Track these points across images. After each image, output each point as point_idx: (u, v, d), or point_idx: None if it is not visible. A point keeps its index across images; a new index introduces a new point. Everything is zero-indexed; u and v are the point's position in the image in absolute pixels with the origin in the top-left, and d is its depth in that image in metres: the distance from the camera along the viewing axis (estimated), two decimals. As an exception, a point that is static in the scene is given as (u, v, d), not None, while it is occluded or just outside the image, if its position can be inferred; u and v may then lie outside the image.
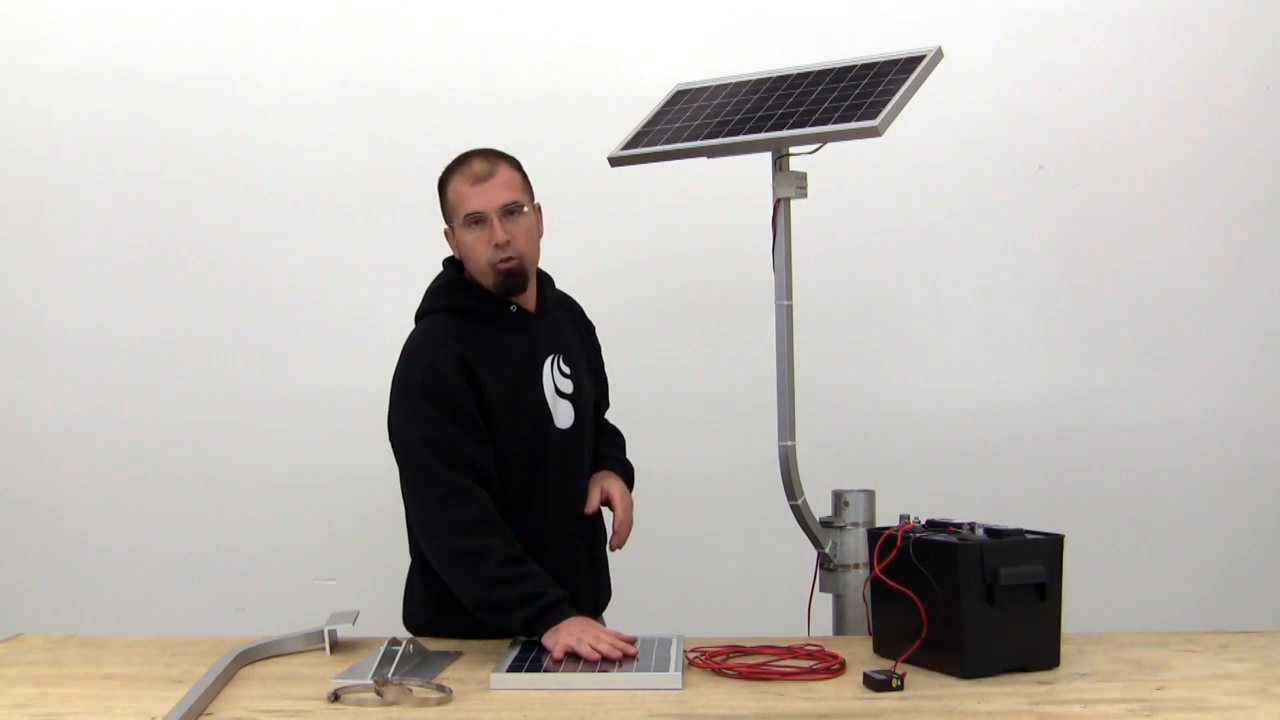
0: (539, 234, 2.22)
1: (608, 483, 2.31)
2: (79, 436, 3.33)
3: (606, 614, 2.36)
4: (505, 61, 3.28)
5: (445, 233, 2.22)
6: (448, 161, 2.20)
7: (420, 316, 2.24)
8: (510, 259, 2.14)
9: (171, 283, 3.32)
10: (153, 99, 3.30)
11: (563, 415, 2.21)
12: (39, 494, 3.34)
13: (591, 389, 2.34)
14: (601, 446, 2.40)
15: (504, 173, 2.15)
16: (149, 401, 3.31)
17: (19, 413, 3.35)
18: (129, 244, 3.32)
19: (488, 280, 2.17)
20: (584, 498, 2.27)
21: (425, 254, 2.33)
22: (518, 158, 2.21)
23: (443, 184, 2.20)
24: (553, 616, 1.98)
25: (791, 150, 2.31)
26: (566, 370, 2.25)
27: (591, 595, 2.30)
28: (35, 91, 3.33)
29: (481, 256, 2.14)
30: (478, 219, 2.13)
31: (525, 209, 2.16)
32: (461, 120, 3.18)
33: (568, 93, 3.25)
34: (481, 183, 2.13)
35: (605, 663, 1.86)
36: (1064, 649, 1.87)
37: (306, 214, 3.30)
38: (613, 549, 2.30)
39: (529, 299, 2.23)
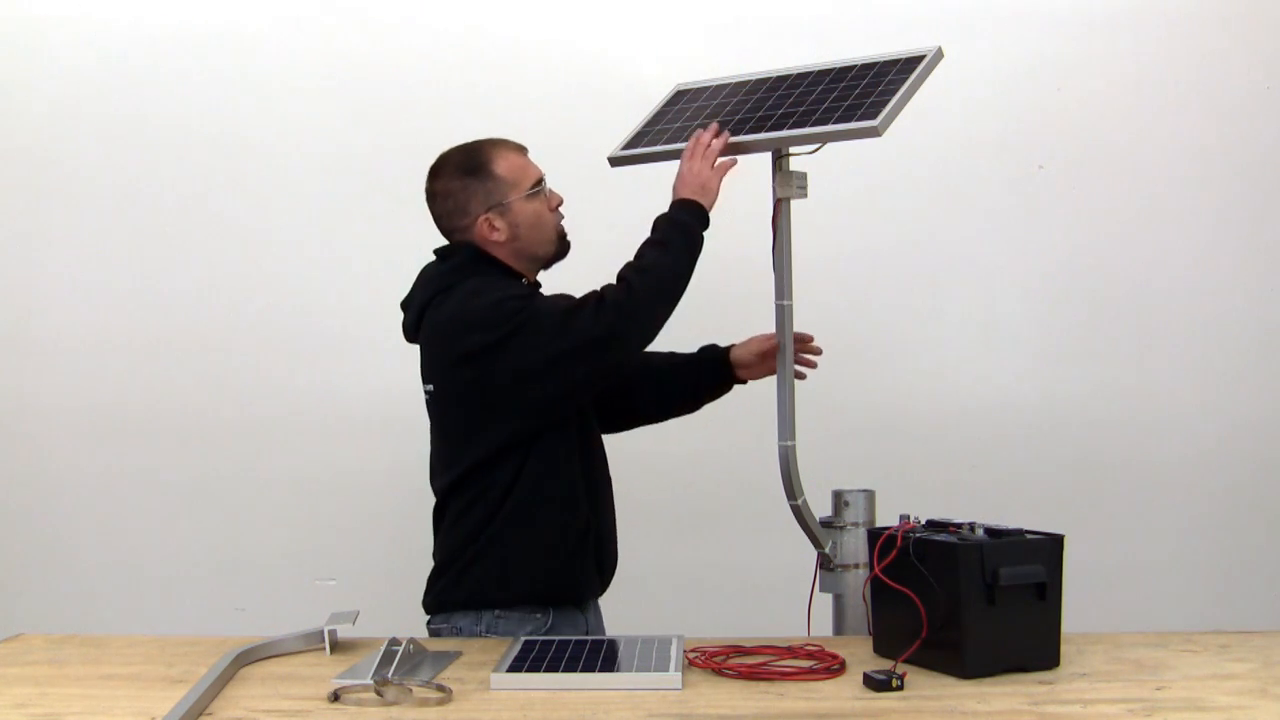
0: None
1: (750, 344, 2.39)
2: (79, 436, 3.33)
3: (605, 610, 2.35)
4: (505, 61, 3.28)
5: (484, 220, 2.15)
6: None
7: (442, 290, 2.17)
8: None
9: (171, 282, 3.32)
10: (151, 98, 3.30)
11: None
12: (39, 494, 3.34)
13: None
14: (661, 357, 2.43)
15: None
16: (149, 401, 3.31)
17: (18, 413, 3.35)
18: (128, 243, 3.32)
19: (550, 249, 2.22)
20: (602, 452, 2.29)
21: (426, 254, 2.33)
22: (519, 157, 2.24)
23: (483, 165, 2.17)
24: (686, 201, 2.14)
25: (791, 150, 2.31)
26: None
27: (615, 555, 2.31)
28: (33, 91, 3.32)
29: (551, 222, 2.21)
30: (541, 185, 2.19)
31: None
32: (462, 120, 3.12)
33: (568, 93, 3.25)
34: (527, 154, 2.20)
35: (606, 662, 1.85)
36: (1064, 649, 1.87)
37: (306, 213, 3.30)
38: (816, 358, 2.39)
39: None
